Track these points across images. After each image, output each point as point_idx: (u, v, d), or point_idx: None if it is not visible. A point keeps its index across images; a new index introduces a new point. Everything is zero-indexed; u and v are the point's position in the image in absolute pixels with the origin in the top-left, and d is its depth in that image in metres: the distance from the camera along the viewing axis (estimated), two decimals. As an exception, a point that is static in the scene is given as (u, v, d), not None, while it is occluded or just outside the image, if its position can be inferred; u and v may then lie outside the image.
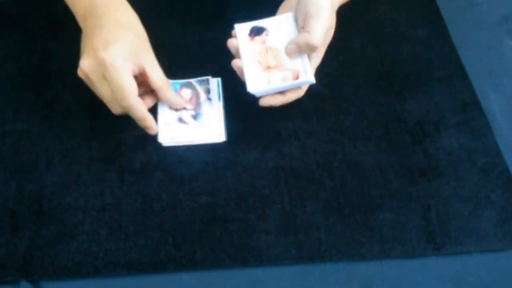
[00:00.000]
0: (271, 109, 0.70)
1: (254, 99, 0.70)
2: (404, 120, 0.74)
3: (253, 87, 0.68)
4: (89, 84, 0.68)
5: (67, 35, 0.80)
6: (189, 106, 0.73)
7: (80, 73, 0.67)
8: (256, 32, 0.71)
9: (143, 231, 0.65)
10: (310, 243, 0.64)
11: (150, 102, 0.71)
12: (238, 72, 0.70)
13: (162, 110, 0.73)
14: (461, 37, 0.82)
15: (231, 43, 0.71)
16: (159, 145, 0.71)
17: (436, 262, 0.64)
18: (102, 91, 0.67)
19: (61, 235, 0.64)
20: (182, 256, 0.63)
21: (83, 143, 0.71)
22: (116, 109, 0.68)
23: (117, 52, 0.65)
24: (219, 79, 0.75)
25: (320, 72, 0.72)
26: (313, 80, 0.68)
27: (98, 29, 0.67)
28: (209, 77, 0.76)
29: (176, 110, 0.73)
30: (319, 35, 0.67)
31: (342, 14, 0.74)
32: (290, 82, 0.68)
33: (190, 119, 0.72)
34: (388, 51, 0.81)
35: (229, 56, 0.71)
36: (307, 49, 0.68)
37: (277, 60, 0.69)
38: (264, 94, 0.69)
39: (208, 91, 0.74)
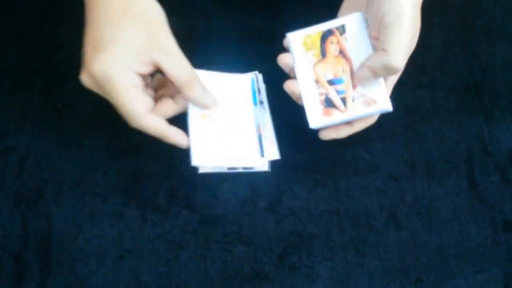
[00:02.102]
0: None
1: (303, 116, 0.60)
2: (492, 152, 0.65)
3: (316, 121, 0.58)
4: None
5: (82, 17, 0.70)
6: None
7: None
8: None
9: (166, 288, 0.59)
10: (366, 315, 0.58)
11: (172, 108, 0.60)
12: (293, 97, 0.60)
13: (194, 119, 0.62)
14: None
15: (282, 59, 0.60)
16: (187, 173, 0.63)
17: None
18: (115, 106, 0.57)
19: (71, 289, 0.59)
20: (212, 321, 0.58)
21: (99, 166, 0.65)
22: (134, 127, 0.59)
23: (109, 62, 0.54)
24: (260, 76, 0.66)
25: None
26: (390, 108, 0.58)
27: (88, 26, 0.57)
28: (256, 72, 0.66)
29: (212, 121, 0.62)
30: (400, 54, 0.55)
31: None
32: (361, 112, 0.58)
33: (232, 132, 0.62)
34: (478, 53, 0.70)
35: (276, 49, 0.62)
36: (386, 73, 0.57)
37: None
38: (324, 126, 0.60)
39: (256, 91, 0.64)
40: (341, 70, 0.59)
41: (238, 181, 0.64)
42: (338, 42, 0.60)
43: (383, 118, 0.66)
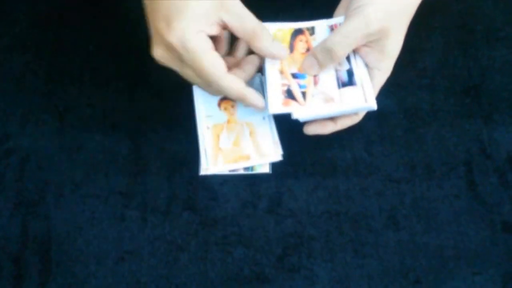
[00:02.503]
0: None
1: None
2: (491, 155, 0.67)
3: (275, 108, 0.61)
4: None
5: (86, 22, 0.74)
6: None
7: (158, 62, 0.61)
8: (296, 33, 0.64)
9: (166, 290, 0.60)
10: (365, 316, 0.59)
11: (242, 75, 0.62)
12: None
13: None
14: None
15: None
16: (189, 174, 0.66)
17: None
18: (189, 77, 0.60)
19: (71, 291, 0.60)
20: (211, 322, 0.59)
21: (100, 168, 0.66)
22: (213, 93, 0.63)
23: (184, 28, 0.57)
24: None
25: (390, 83, 0.65)
26: (374, 106, 0.61)
27: (154, 4, 0.59)
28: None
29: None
30: (339, 37, 0.59)
31: (421, 4, 0.64)
32: (341, 108, 0.61)
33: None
34: (477, 56, 0.72)
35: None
36: (324, 57, 0.61)
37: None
38: (307, 120, 0.62)
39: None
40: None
41: (238, 183, 0.65)
42: (306, 41, 0.64)
43: (383, 120, 0.68)
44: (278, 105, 0.61)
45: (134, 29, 0.72)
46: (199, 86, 0.61)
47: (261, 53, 0.61)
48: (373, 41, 0.60)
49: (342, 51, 0.60)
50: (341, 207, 0.64)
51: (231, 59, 0.63)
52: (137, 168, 0.66)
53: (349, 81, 0.62)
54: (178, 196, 0.65)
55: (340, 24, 0.63)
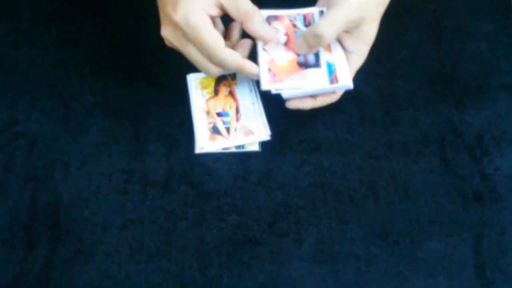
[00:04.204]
0: (303, 112, 0.77)
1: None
2: (462, 134, 0.79)
3: (202, 144, 0.77)
4: (180, 51, 0.73)
5: (87, 18, 0.87)
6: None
7: (166, 43, 0.74)
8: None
9: (166, 253, 0.71)
10: (349, 274, 0.71)
11: (244, 51, 0.75)
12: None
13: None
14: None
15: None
16: (185, 153, 0.77)
17: (486, 300, 0.69)
18: (191, 54, 0.73)
19: (79, 254, 0.71)
20: (208, 282, 0.70)
21: (103, 148, 0.77)
22: (213, 71, 0.74)
23: (188, 9, 0.69)
24: None
25: (369, 72, 0.78)
26: (350, 85, 0.74)
27: None
28: None
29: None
30: (327, 24, 0.71)
31: (396, 4, 0.77)
32: (319, 87, 0.74)
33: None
34: (449, 50, 0.85)
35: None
36: (314, 40, 0.73)
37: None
38: (291, 96, 0.75)
39: None
40: (228, 106, 0.79)
41: (230, 160, 0.77)
42: (229, 85, 0.81)
43: (363, 104, 0.81)
44: (205, 141, 0.78)
45: (133, 24, 0.86)
46: (200, 64, 0.74)
47: (252, 34, 0.74)
48: (353, 27, 0.74)
49: (330, 36, 0.73)
50: (325, 180, 0.76)
51: (227, 42, 0.76)
52: (137, 148, 0.78)
53: (316, 63, 0.76)
54: (175, 172, 0.77)
55: (314, 13, 0.77)
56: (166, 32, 0.73)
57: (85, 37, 0.85)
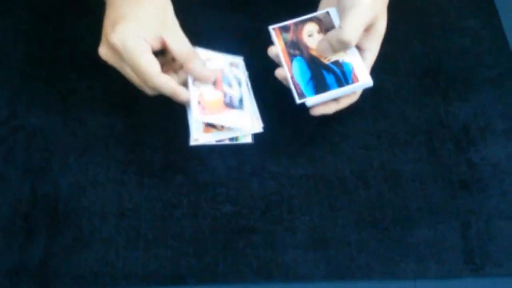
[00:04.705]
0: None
1: (283, 96, 0.76)
2: (448, 125, 0.80)
3: (198, 115, 0.75)
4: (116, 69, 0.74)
5: (83, 16, 0.87)
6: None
7: (103, 61, 0.74)
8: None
9: (163, 240, 0.72)
10: (341, 260, 0.71)
11: (183, 76, 0.76)
12: (285, 83, 0.76)
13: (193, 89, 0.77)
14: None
15: (271, 51, 0.77)
16: (180, 145, 0.78)
17: (474, 284, 0.70)
18: (127, 75, 0.74)
19: (78, 242, 0.71)
20: (203, 268, 0.70)
21: (100, 141, 0.78)
22: (148, 92, 0.75)
23: (126, 32, 0.69)
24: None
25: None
26: (370, 82, 0.74)
27: (108, 7, 0.73)
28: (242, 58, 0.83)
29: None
30: (351, 29, 0.71)
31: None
32: (345, 88, 0.74)
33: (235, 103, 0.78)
34: (435, 45, 0.87)
35: (255, 42, 0.79)
36: (339, 46, 0.73)
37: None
38: (318, 102, 0.75)
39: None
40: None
41: (224, 151, 0.78)
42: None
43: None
44: (200, 132, 0.78)
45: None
46: (136, 85, 0.74)
47: (194, 74, 0.76)
48: (368, 26, 0.74)
49: (355, 40, 0.73)
50: (317, 170, 0.77)
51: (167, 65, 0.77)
52: (134, 140, 0.78)
53: (240, 106, 0.78)
54: (171, 163, 0.77)
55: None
56: (104, 51, 0.72)
57: (82, 34, 0.85)
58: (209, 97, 0.76)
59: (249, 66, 0.82)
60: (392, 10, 0.78)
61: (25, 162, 0.76)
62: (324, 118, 0.79)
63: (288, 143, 0.78)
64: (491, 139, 0.78)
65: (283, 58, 0.75)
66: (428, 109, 0.81)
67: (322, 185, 0.75)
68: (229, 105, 0.77)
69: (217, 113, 0.76)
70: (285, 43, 0.76)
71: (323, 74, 0.75)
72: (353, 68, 0.74)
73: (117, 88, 0.81)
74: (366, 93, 0.80)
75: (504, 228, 0.72)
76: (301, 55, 0.76)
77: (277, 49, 0.76)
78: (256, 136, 0.78)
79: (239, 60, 0.83)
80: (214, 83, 0.78)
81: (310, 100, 0.74)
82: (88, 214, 0.73)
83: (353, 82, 0.73)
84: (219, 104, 0.76)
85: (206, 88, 0.77)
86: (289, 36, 0.77)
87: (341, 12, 0.73)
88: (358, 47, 0.76)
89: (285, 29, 0.77)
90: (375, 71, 0.81)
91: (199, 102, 0.75)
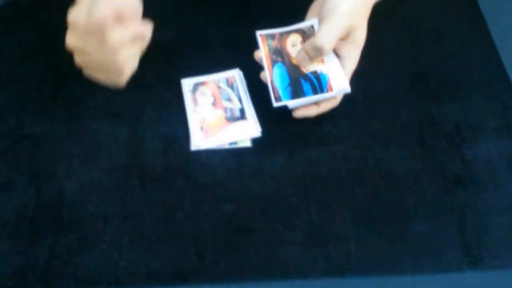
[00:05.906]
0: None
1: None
2: (440, 124, 0.79)
3: (199, 143, 0.75)
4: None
5: None
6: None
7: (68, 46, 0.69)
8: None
9: (165, 241, 0.70)
10: (339, 256, 0.69)
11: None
12: (266, 82, 0.76)
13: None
14: (501, 35, 0.85)
15: (256, 55, 0.77)
16: (181, 150, 0.76)
17: (472, 277, 0.68)
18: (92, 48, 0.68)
19: (82, 244, 0.69)
20: (205, 267, 0.68)
21: (103, 147, 0.76)
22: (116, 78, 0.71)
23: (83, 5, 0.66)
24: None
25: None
26: (347, 89, 0.73)
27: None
28: (238, 69, 0.83)
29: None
30: (325, 35, 0.71)
31: (375, 8, 0.78)
32: (319, 95, 0.74)
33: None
34: (424, 50, 0.85)
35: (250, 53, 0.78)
36: (314, 52, 0.73)
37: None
38: (296, 106, 0.75)
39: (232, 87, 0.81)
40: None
41: (224, 155, 0.77)
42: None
43: (347, 101, 0.80)
44: (201, 138, 0.77)
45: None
46: (98, 65, 0.70)
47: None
48: (345, 34, 0.73)
49: (329, 46, 0.72)
50: (313, 170, 0.75)
51: None
52: (136, 146, 0.77)
53: (241, 116, 0.78)
54: (172, 167, 0.76)
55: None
56: (69, 38, 0.69)
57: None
58: (211, 119, 0.78)
59: (245, 70, 0.82)
60: (381, 17, 0.78)
61: (31, 169, 0.75)
62: (319, 121, 0.78)
63: (285, 146, 0.77)
64: (483, 136, 0.77)
65: (265, 63, 0.76)
66: (419, 110, 0.80)
67: (318, 183, 0.74)
68: (231, 118, 0.78)
69: (219, 131, 0.77)
70: (269, 49, 0.78)
71: (300, 81, 0.75)
72: (329, 79, 0.75)
73: (119, 98, 0.80)
74: (359, 96, 0.79)
75: (499, 221, 0.71)
76: (283, 62, 0.77)
77: (261, 54, 0.76)
78: (254, 140, 0.76)
79: (234, 73, 0.82)
80: (213, 103, 0.79)
81: (289, 103, 0.74)
82: (92, 218, 0.72)
83: (327, 92, 0.74)
84: (221, 121, 0.78)
85: (206, 111, 0.79)
86: (274, 43, 0.78)
87: (320, 22, 0.74)
88: (338, 55, 0.76)
89: (271, 36, 0.78)
90: (367, 75, 0.80)
91: (201, 128, 0.76)
